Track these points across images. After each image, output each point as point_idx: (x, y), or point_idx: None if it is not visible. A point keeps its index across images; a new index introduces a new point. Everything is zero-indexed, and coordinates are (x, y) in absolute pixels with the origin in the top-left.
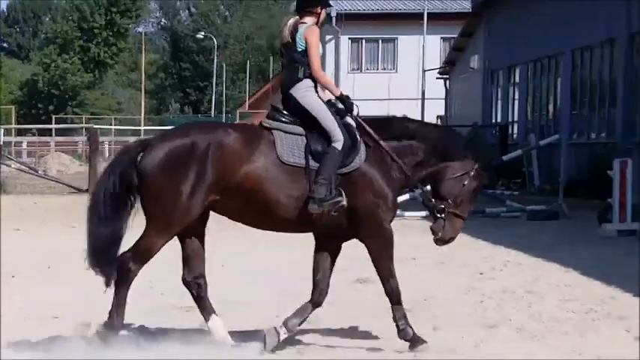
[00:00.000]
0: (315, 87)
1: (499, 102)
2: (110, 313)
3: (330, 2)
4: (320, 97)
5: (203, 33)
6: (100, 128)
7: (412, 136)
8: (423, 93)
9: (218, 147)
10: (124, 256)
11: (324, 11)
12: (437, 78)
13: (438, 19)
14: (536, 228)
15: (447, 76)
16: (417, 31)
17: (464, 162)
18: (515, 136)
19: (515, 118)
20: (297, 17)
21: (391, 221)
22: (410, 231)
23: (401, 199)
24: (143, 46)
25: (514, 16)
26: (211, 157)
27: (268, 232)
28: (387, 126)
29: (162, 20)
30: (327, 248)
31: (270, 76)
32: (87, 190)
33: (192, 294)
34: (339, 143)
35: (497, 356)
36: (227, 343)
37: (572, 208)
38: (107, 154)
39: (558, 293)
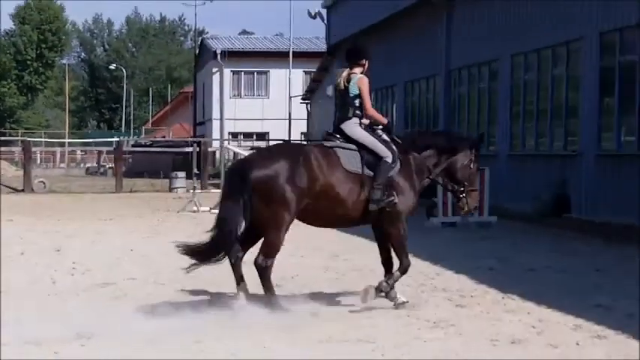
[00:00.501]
0: (359, 123)
1: None
2: (270, 299)
3: (215, 42)
4: (362, 126)
5: (115, 65)
6: (33, 141)
7: (430, 146)
8: (290, 115)
9: (308, 161)
10: (259, 258)
11: (367, 62)
12: (300, 102)
13: (301, 56)
14: None
15: (309, 101)
16: (285, 66)
17: (465, 152)
18: None
19: None
20: (349, 69)
21: (412, 214)
22: None
23: None
24: (67, 75)
25: None
26: (306, 169)
27: None
28: (414, 140)
29: (82, 54)
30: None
31: (169, 100)
32: (22, 190)
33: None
34: (389, 157)
35: (349, 318)
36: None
37: None
38: (38, 161)
39: None
